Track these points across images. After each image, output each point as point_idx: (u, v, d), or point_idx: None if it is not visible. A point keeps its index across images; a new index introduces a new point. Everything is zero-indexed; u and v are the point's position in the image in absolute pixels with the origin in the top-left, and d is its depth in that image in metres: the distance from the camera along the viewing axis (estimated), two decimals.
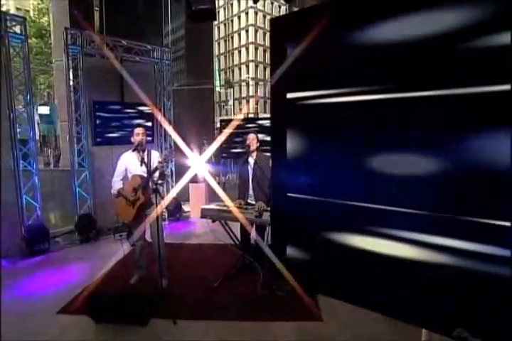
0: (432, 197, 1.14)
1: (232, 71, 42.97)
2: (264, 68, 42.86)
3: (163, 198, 2.92)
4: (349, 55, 1.29)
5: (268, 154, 4.00)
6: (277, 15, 43.21)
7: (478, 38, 1.04)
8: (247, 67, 41.76)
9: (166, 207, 4.93)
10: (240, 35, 42.72)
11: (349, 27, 1.27)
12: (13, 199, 3.82)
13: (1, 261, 3.49)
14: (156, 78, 5.31)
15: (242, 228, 3.24)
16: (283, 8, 44.08)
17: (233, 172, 9.32)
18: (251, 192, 3.23)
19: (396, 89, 1.18)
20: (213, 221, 3.06)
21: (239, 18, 42.25)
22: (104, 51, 4.62)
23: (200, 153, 5.77)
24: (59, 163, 7.02)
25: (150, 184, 2.80)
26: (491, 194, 1.08)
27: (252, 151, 3.19)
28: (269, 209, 2.92)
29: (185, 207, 5.82)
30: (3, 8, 3.46)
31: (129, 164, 2.94)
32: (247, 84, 40.84)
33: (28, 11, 19.01)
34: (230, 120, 6.23)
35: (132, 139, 2.97)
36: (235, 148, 5.58)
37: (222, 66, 42.84)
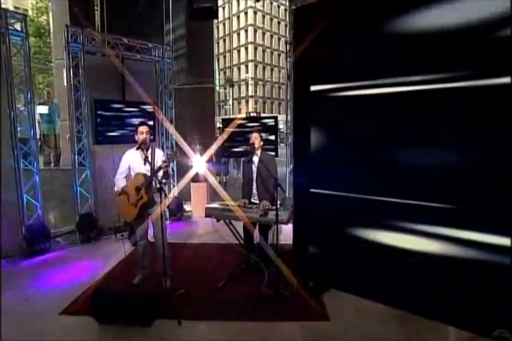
0: (465, 190, 1.09)
1: (225, 73, 42.90)
2: (264, 68, 42.84)
3: (167, 197, 2.88)
4: (375, 47, 1.24)
5: (272, 153, 3.98)
6: (276, 15, 43.25)
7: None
8: (247, 67, 41.73)
9: (168, 207, 4.90)
10: (239, 34, 42.68)
11: (377, 17, 1.23)
12: (13, 199, 3.78)
13: (1, 261, 3.46)
14: (157, 77, 5.26)
15: (246, 227, 3.22)
16: (282, 7, 44.05)
17: (234, 171, 9.29)
18: (255, 191, 3.20)
19: (433, 81, 1.13)
20: (218, 220, 3.02)
21: (238, 17, 42.21)
22: (105, 49, 4.58)
23: (193, 152, 5.75)
24: (59, 163, 6.96)
25: (153, 183, 2.76)
26: None
27: (257, 150, 3.16)
28: (274, 208, 2.90)
29: (186, 207, 5.78)
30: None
31: (132, 162, 2.91)
32: (247, 84, 40.81)
33: (27, 10, 18.92)
34: (232, 119, 6.18)
35: (136, 137, 2.93)
36: (237, 147, 5.54)
37: (222, 66, 42.79)
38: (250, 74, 40.63)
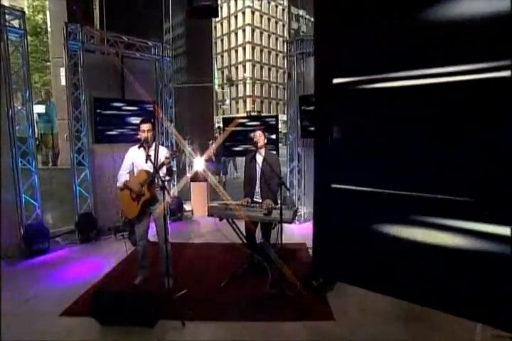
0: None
1: (226, 71, 42.85)
2: (261, 68, 42.82)
3: (170, 195, 2.85)
4: (398, 39, 1.21)
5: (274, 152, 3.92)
6: (274, 14, 43.26)
7: None
8: (244, 66, 41.69)
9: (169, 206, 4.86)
10: (236, 34, 42.62)
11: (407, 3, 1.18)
12: (12, 198, 3.72)
13: (0, 261, 3.41)
14: (157, 75, 5.22)
15: (248, 226, 3.19)
16: (280, 7, 44.08)
17: (233, 171, 9.26)
18: (257, 190, 3.18)
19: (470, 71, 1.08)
20: (220, 219, 2.99)
21: (236, 17, 42.15)
22: (104, 47, 4.53)
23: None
24: (57, 162, 6.89)
25: (156, 180, 2.73)
26: None
27: (260, 148, 3.14)
28: (277, 207, 2.88)
29: (186, 206, 5.74)
30: None
31: (135, 159, 2.89)
32: (244, 84, 40.78)
33: (22, 9, 18.72)
34: (233, 118, 6.15)
35: (139, 135, 2.89)
36: (238, 146, 5.51)
37: (219, 65, 42.71)
38: (248, 74, 40.59)
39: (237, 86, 40.30)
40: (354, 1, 1.28)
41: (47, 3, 9.01)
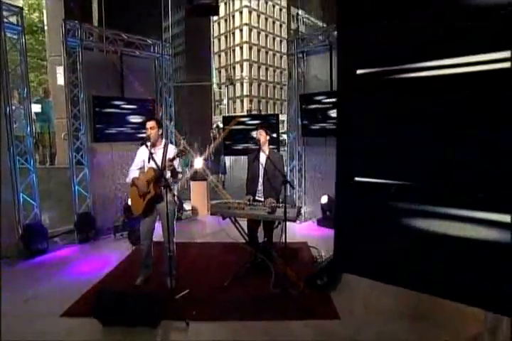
0: None
1: (226, 70, 42.77)
2: (259, 67, 42.79)
3: (174, 195, 2.82)
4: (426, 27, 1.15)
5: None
6: (272, 14, 43.23)
7: None
8: (241, 66, 41.63)
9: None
10: (234, 34, 42.55)
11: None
12: (9, 198, 3.66)
13: (0, 261, 3.35)
14: (156, 74, 5.18)
15: (250, 225, 3.17)
16: (277, 7, 44.06)
17: (232, 170, 9.22)
18: (260, 188, 3.15)
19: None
20: (223, 218, 2.96)
21: (233, 17, 42.08)
22: (103, 44, 4.48)
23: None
24: (54, 162, 6.81)
25: (162, 179, 2.68)
26: None
27: (263, 146, 3.11)
28: (280, 205, 2.86)
29: (186, 206, 5.71)
30: None
31: (144, 156, 2.87)
32: (241, 84, 40.73)
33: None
34: (233, 117, 6.12)
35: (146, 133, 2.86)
36: (238, 145, 5.47)
37: (217, 65, 42.60)
38: (245, 74, 40.54)
39: (234, 85, 40.20)
40: None
41: (43, 0, 8.91)
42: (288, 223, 2.78)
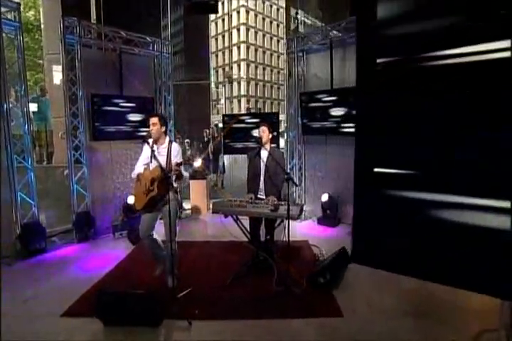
0: None
1: (223, 69, 42.69)
2: (256, 67, 42.75)
3: (176, 191, 2.79)
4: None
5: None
6: (269, 14, 43.22)
7: None
8: (239, 66, 41.57)
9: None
10: (231, 33, 42.46)
11: None
12: (7, 197, 3.61)
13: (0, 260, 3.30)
14: (155, 72, 5.14)
15: (252, 224, 3.15)
16: (274, 7, 44.05)
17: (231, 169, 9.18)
18: (262, 186, 3.13)
19: None
20: (226, 216, 2.94)
21: (230, 16, 41.99)
22: (102, 42, 4.43)
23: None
24: (52, 161, 6.73)
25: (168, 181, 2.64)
26: None
27: (265, 144, 3.09)
28: (282, 203, 2.84)
29: (185, 205, 5.67)
30: None
31: (149, 153, 2.79)
32: (239, 83, 40.66)
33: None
34: (234, 115, 6.09)
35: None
36: (238, 143, 5.45)
37: (214, 65, 42.49)
38: (243, 74, 40.48)
39: (232, 84, 40.12)
40: None
41: None
42: (286, 222, 2.76)
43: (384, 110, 1.35)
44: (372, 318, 2.44)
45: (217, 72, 42.59)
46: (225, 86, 35.93)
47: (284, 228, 2.66)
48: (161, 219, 2.93)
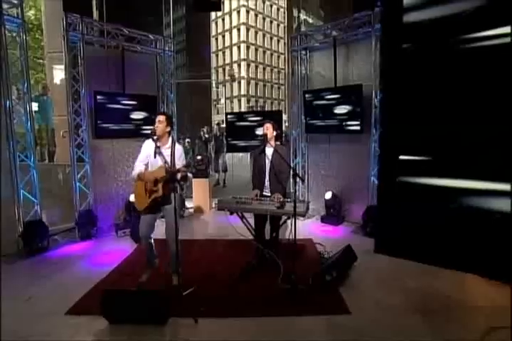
0: None
1: (224, 69, 42.67)
2: (256, 67, 42.73)
3: (181, 188, 2.75)
4: None
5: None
6: (269, 14, 43.18)
7: None
8: (239, 65, 41.54)
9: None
10: (231, 33, 42.44)
11: None
12: (9, 194, 3.58)
13: (0, 260, 3.28)
14: (158, 70, 5.11)
15: (257, 221, 3.13)
16: (274, 7, 44.04)
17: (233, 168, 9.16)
18: (267, 183, 3.11)
19: None
20: (231, 213, 2.92)
21: (230, 16, 41.97)
22: (105, 39, 4.41)
23: None
24: (53, 159, 6.71)
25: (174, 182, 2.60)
26: None
27: (269, 141, 3.07)
28: (288, 200, 2.82)
29: (187, 203, 5.65)
30: None
31: (148, 152, 2.77)
32: (239, 83, 40.64)
33: None
34: (237, 113, 6.08)
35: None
36: (241, 141, 5.42)
37: (214, 64, 42.48)
38: (243, 73, 40.46)
39: (232, 85, 40.11)
40: None
41: None
42: (291, 220, 2.74)
43: (408, 99, 1.33)
44: (381, 315, 2.42)
45: (217, 71, 42.57)
46: (225, 86, 35.91)
47: (291, 225, 2.64)
48: (162, 217, 2.90)
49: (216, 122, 9.70)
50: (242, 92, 41.09)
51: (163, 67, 5.14)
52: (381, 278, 3.01)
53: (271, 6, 43.73)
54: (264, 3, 42.67)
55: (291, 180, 2.79)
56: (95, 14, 6.13)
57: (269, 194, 3.09)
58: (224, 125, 6.35)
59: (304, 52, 5.12)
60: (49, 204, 4.61)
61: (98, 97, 4.31)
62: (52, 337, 2.19)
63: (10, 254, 3.50)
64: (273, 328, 2.29)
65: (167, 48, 5.13)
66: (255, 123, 5.23)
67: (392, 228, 1.51)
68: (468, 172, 1.20)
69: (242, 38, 41.17)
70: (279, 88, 44.90)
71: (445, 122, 1.23)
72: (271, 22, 44.12)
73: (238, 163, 9.17)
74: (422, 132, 1.29)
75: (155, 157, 2.69)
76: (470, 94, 1.16)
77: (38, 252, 3.63)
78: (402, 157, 1.34)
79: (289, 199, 2.79)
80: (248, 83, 41.25)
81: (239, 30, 41.23)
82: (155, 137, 2.68)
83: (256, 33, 42.44)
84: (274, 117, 5.19)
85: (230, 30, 42.24)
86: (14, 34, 3.63)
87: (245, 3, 40.29)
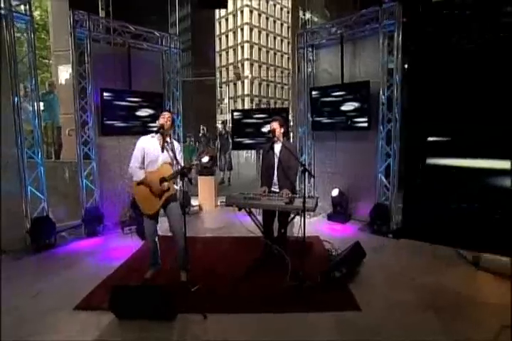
0: None
1: (227, 69, 42.70)
2: (260, 66, 42.71)
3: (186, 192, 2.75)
4: None
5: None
6: (272, 14, 43.16)
7: None
8: (242, 65, 41.53)
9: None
10: (234, 33, 42.46)
11: None
12: (17, 191, 3.60)
13: (1, 257, 3.29)
14: (163, 67, 5.11)
15: (266, 218, 3.11)
16: (278, 6, 43.98)
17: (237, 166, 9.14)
18: (275, 179, 3.08)
19: None
20: (239, 209, 2.89)
21: (234, 16, 41.99)
22: (111, 36, 4.41)
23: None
24: (59, 157, 6.73)
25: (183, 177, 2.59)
26: None
27: (278, 137, 3.04)
28: (297, 196, 2.79)
29: (193, 201, 5.64)
30: None
31: (147, 149, 2.71)
32: (242, 83, 40.63)
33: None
34: (243, 110, 6.07)
35: (157, 122, 2.77)
36: (247, 139, 5.40)
37: (217, 64, 42.53)
38: (246, 73, 40.45)
39: (235, 85, 40.13)
40: None
41: None
42: (297, 218, 2.71)
43: (433, 86, 1.31)
44: (391, 312, 2.39)
45: (220, 71, 42.62)
46: (228, 85, 35.96)
47: (300, 222, 2.61)
48: (164, 215, 2.87)
49: (220, 121, 9.69)
50: (246, 92, 41.07)
51: (169, 65, 5.13)
52: (390, 275, 2.98)
53: (274, 5, 43.66)
54: (267, 2, 42.63)
55: (301, 174, 2.75)
56: (101, 14, 6.15)
57: (277, 190, 3.07)
58: (230, 124, 6.34)
59: (310, 49, 5.09)
60: (55, 201, 4.63)
61: (104, 94, 4.32)
62: (61, 332, 2.18)
63: (17, 250, 3.51)
64: (283, 325, 2.27)
65: (173, 46, 5.12)
66: (261, 121, 5.20)
67: (417, 211, 1.49)
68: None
69: (246, 37, 41.16)
70: (282, 87, 44.82)
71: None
72: (274, 21, 44.06)
73: (244, 162, 9.15)
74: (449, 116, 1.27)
75: (162, 151, 2.68)
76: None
77: (45, 248, 3.65)
78: (430, 138, 1.32)
79: (297, 195, 2.76)
80: (252, 83, 41.23)
81: (242, 29, 41.22)
82: (161, 131, 2.67)
83: (259, 32, 42.42)
84: (281, 114, 5.16)
85: (234, 30, 42.26)
86: (21, 32, 3.64)
87: (249, 3, 40.26)
